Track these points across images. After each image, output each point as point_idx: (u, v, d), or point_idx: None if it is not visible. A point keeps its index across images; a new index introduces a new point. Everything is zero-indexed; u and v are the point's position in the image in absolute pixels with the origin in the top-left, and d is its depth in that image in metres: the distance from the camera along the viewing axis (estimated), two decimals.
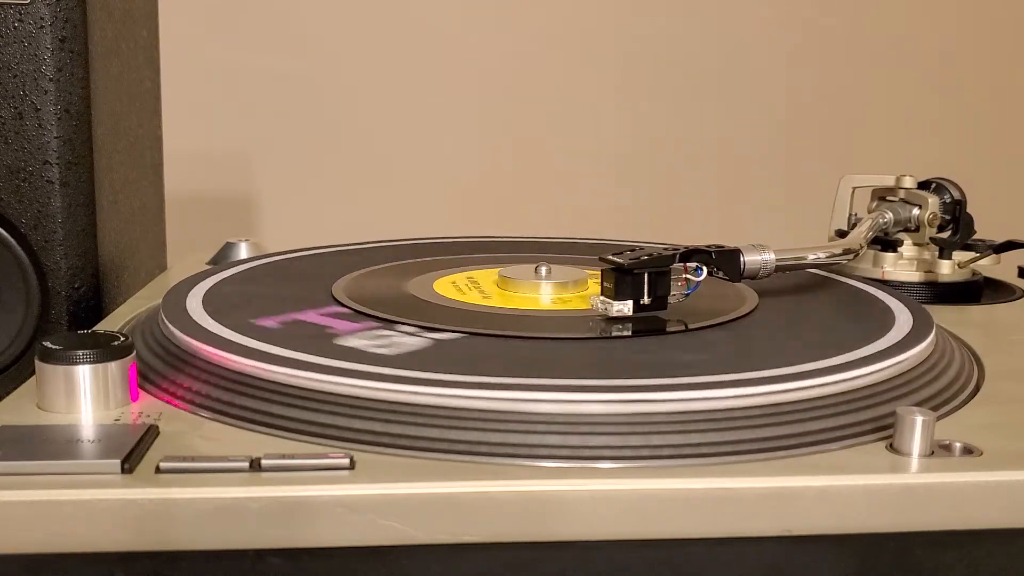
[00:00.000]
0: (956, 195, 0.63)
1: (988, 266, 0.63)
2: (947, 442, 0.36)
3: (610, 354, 0.43)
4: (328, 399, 0.37)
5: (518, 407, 0.35)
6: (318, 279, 0.55)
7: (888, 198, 0.65)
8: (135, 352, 0.39)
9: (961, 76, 1.23)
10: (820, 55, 1.20)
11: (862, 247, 0.57)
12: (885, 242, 0.63)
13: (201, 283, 0.53)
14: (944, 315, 0.55)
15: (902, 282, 0.62)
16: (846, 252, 0.55)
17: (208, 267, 0.64)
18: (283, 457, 0.33)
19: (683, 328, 0.46)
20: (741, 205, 1.21)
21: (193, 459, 0.33)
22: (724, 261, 0.49)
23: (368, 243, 0.68)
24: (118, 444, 0.34)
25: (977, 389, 0.43)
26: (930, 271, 0.62)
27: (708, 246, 0.49)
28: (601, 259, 0.47)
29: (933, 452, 0.35)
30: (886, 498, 0.33)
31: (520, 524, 0.32)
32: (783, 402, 0.37)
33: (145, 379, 0.41)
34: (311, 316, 0.47)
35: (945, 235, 0.63)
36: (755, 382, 0.38)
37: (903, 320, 0.48)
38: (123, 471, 0.32)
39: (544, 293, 0.52)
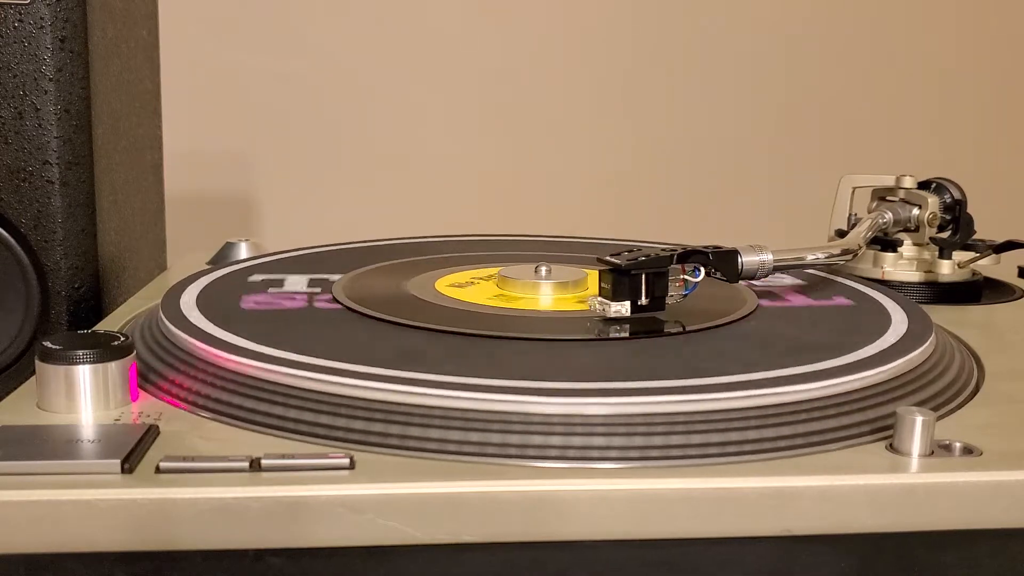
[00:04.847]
0: (956, 195, 0.63)
1: (988, 266, 0.63)
2: (947, 442, 0.36)
3: (609, 355, 0.43)
4: (328, 399, 0.37)
5: (518, 407, 0.35)
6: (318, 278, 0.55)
7: (888, 198, 0.65)
8: (135, 352, 0.39)
9: (961, 76, 1.23)
10: (820, 55, 1.20)
11: (861, 247, 0.57)
12: (885, 242, 0.63)
13: (201, 282, 0.53)
14: (944, 315, 0.55)
15: (902, 282, 0.62)
16: (845, 252, 0.55)
17: (208, 267, 0.64)
18: (283, 457, 0.33)
19: (681, 329, 0.46)
20: (740, 205, 1.21)
21: (193, 459, 0.33)
22: (722, 262, 0.49)
23: (368, 242, 0.68)
24: (118, 444, 0.34)
25: (977, 389, 0.43)
26: (930, 271, 0.62)
27: (706, 247, 0.49)
28: (599, 260, 0.47)
29: (933, 452, 0.35)
30: (886, 498, 0.33)
31: (520, 524, 0.32)
32: (783, 403, 0.37)
33: (145, 379, 0.41)
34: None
35: (945, 235, 0.63)
36: (755, 383, 0.38)
37: (902, 321, 0.48)
38: (123, 471, 0.32)
39: (544, 293, 0.52)
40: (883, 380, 0.40)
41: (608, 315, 0.46)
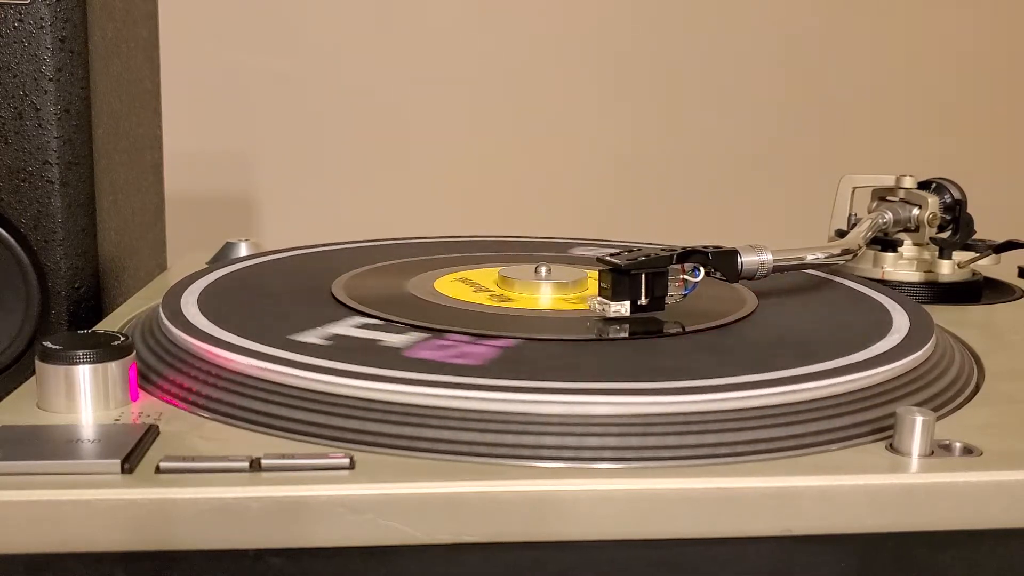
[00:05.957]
0: (956, 195, 0.63)
1: (988, 266, 0.63)
2: (947, 442, 0.36)
3: (609, 355, 0.43)
4: (328, 399, 0.37)
5: (518, 407, 0.35)
6: (318, 278, 0.55)
7: (888, 198, 0.65)
8: (135, 352, 0.39)
9: (961, 76, 1.23)
10: (820, 55, 1.20)
11: (860, 247, 0.57)
12: (885, 242, 0.63)
13: (201, 282, 0.53)
14: (944, 315, 0.55)
15: (902, 282, 0.62)
16: (844, 252, 0.55)
17: (208, 267, 0.63)
18: (283, 457, 0.33)
19: (680, 329, 0.46)
20: (740, 205, 1.21)
21: (193, 459, 0.33)
22: (721, 262, 0.49)
23: (368, 242, 0.68)
24: (118, 444, 0.34)
25: (977, 389, 0.43)
26: (930, 271, 0.62)
27: (705, 246, 0.49)
28: (598, 260, 0.47)
29: (933, 452, 0.35)
30: (886, 498, 0.33)
31: (520, 524, 0.32)
32: (783, 403, 0.37)
33: (145, 379, 0.41)
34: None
35: (945, 235, 0.63)
36: (755, 384, 0.38)
37: (903, 321, 0.48)
38: (123, 471, 0.32)
39: (544, 293, 0.52)
40: (883, 380, 0.40)
41: (608, 315, 0.46)
